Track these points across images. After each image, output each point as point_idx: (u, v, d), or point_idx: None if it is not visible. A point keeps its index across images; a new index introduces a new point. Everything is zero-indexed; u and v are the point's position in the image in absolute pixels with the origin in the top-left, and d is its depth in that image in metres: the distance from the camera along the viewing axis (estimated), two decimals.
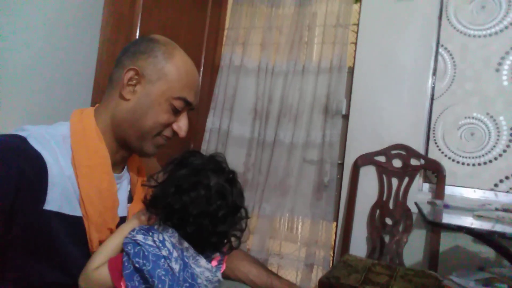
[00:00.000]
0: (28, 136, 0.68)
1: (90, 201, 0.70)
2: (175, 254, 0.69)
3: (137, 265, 0.66)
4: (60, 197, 0.68)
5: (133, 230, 0.71)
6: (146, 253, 0.67)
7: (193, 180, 0.70)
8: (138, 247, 0.68)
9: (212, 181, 0.71)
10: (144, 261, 0.66)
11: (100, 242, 0.73)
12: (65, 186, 0.69)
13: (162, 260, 0.67)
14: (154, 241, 0.69)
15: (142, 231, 0.70)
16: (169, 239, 0.70)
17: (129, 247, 0.68)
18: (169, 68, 0.77)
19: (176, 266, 0.68)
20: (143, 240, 0.68)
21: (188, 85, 0.79)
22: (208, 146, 2.19)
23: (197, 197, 0.69)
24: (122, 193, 0.83)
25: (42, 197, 0.65)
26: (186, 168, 0.72)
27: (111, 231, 0.75)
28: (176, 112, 0.79)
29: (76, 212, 0.71)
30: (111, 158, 0.76)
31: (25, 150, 0.65)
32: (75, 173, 0.71)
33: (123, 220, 0.81)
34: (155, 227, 0.71)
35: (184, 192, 0.69)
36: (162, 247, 0.68)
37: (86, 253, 0.72)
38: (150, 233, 0.70)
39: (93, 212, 0.71)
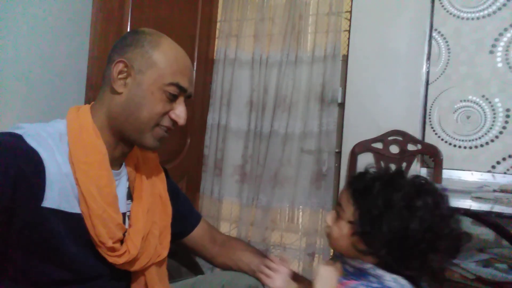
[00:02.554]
0: (24, 133, 0.67)
1: (92, 196, 0.70)
2: None
3: None
4: (58, 195, 0.68)
5: None
6: None
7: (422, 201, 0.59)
8: None
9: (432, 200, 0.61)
10: None
11: (111, 239, 0.71)
12: (63, 184, 0.69)
13: None
14: None
15: None
16: None
17: None
18: (157, 56, 0.76)
19: None
20: None
21: (179, 70, 0.78)
22: (210, 142, 2.20)
23: (426, 221, 0.58)
24: (121, 190, 0.83)
25: (40, 194, 0.65)
26: (401, 189, 0.61)
27: (121, 227, 0.75)
28: (171, 99, 0.77)
29: (75, 209, 0.70)
30: (109, 155, 0.76)
31: (22, 148, 0.65)
32: (73, 170, 0.70)
33: (123, 216, 0.80)
34: (388, 283, 0.59)
35: (416, 218, 0.58)
36: None
37: (86, 250, 0.72)
38: None
39: (96, 207, 0.70)
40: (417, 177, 0.65)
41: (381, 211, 0.59)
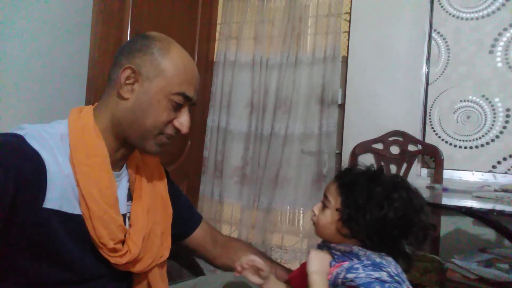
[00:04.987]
0: (25, 134, 0.67)
1: (92, 198, 0.70)
2: (408, 284, 0.66)
3: None
4: (59, 196, 0.67)
5: (354, 269, 0.65)
6: None
7: (399, 194, 0.69)
8: (387, 285, 0.63)
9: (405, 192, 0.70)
10: None
11: (112, 240, 0.71)
12: (64, 185, 0.68)
13: None
14: (391, 276, 0.64)
15: (369, 267, 0.65)
16: (397, 269, 0.66)
17: (377, 287, 0.62)
18: (166, 64, 0.76)
19: None
20: (383, 277, 0.63)
21: (187, 80, 0.78)
22: (210, 144, 2.21)
23: (407, 210, 0.68)
24: (121, 191, 0.83)
25: (41, 195, 0.65)
26: (382, 184, 0.70)
27: (122, 229, 0.75)
28: (176, 108, 0.78)
29: (76, 210, 0.70)
30: (111, 157, 0.76)
31: (23, 149, 0.64)
32: (74, 171, 0.70)
33: (123, 217, 0.80)
34: (377, 260, 0.66)
35: (397, 208, 0.67)
36: (402, 282, 0.65)
37: (87, 251, 0.72)
38: (381, 267, 0.65)
39: (97, 209, 0.70)
40: (396, 176, 0.75)
41: (365, 201, 0.68)
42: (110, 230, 0.71)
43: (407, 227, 0.67)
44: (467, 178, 1.71)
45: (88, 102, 1.32)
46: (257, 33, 2.13)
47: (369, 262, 0.66)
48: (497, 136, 1.68)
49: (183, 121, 0.79)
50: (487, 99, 1.70)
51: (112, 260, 0.73)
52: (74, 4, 1.29)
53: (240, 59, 2.16)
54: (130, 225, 0.80)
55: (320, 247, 0.77)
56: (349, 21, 1.93)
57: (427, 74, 1.81)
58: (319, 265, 0.69)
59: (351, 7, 1.92)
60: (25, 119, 1.11)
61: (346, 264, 0.68)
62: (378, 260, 0.66)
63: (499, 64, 1.69)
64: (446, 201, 1.26)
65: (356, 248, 0.69)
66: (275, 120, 2.02)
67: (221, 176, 2.16)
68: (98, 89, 1.34)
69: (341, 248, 0.71)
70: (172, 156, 1.99)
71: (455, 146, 1.75)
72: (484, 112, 1.71)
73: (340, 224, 0.70)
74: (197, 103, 0.85)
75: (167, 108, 0.76)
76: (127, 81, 0.75)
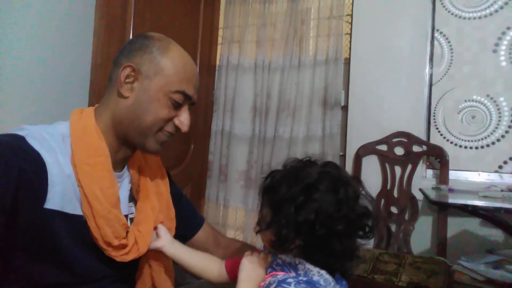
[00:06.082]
0: (26, 135, 0.67)
1: (96, 197, 0.70)
2: None
3: None
4: (61, 196, 0.67)
5: (286, 284, 0.59)
6: None
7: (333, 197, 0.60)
8: None
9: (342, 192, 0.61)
10: None
11: (117, 238, 0.71)
12: (65, 185, 0.68)
13: None
14: None
15: (302, 284, 0.59)
16: (327, 283, 0.61)
17: None
18: (165, 63, 0.76)
19: None
20: None
21: (186, 78, 0.78)
22: (214, 149, 2.21)
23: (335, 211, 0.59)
24: (123, 192, 0.83)
25: (43, 196, 0.65)
26: (300, 184, 0.62)
27: (126, 227, 0.74)
28: (176, 106, 0.78)
29: (77, 211, 0.70)
30: (112, 157, 0.76)
31: (24, 150, 0.65)
32: (75, 171, 0.70)
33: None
34: (315, 277, 0.60)
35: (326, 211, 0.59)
36: None
37: (88, 251, 0.71)
38: (316, 287, 0.60)
39: (101, 208, 0.70)
40: (325, 165, 0.66)
41: (282, 213, 0.61)
42: (114, 228, 0.71)
43: (331, 224, 0.60)
44: (473, 179, 1.69)
45: (90, 106, 1.34)
46: (259, 37, 2.14)
47: (304, 279, 0.60)
48: (503, 136, 1.66)
49: (183, 119, 0.79)
50: (491, 98, 1.69)
51: (118, 259, 0.72)
52: (77, 10, 1.31)
53: (242, 63, 2.16)
54: (139, 223, 0.80)
55: (264, 248, 0.73)
56: (351, 23, 1.93)
57: (431, 74, 1.80)
58: (249, 273, 0.66)
59: (352, 9, 1.92)
60: (28, 123, 1.12)
61: (280, 275, 0.63)
62: (315, 277, 0.60)
63: (503, 63, 1.67)
64: (452, 201, 1.25)
65: (297, 260, 0.63)
66: (278, 123, 2.02)
67: (226, 180, 2.16)
68: (100, 93, 1.35)
69: (282, 257, 0.66)
70: (175, 160, 1.99)
71: (460, 146, 1.74)
72: (489, 112, 1.69)
73: (271, 237, 0.65)
74: (198, 104, 0.85)
75: (167, 106, 0.77)
76: (127, 80, 0.76)
